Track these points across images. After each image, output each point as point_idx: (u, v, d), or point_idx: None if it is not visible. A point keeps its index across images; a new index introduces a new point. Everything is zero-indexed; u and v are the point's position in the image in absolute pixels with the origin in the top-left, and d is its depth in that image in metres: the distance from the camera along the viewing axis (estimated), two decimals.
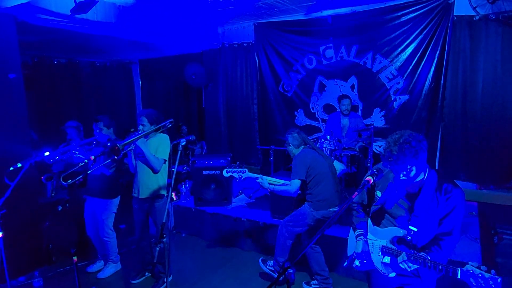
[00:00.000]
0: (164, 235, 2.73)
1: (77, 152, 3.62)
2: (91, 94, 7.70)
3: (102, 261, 4.15)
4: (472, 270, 1.70)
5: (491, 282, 1.65)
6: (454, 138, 5.17)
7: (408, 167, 1.87)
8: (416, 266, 1.90)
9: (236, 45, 6.95)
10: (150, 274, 3.95)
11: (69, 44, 6.14)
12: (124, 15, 5.06)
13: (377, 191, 2.16)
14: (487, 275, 1.67)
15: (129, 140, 3.10)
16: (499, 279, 1.64)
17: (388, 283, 2.14)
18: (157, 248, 3.77)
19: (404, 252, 1.94)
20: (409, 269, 1.92)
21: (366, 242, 2.17)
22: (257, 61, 6.70)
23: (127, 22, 5.13)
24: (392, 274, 2.07)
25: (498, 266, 3.86)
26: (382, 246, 2.08)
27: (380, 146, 5.70)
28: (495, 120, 4.81)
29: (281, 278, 1.64)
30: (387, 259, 2.06)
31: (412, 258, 1.89)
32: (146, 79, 8.60)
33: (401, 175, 1.90)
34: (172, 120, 3.30)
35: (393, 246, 2.04)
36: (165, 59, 7.99)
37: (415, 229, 1.98)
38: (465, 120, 5.04)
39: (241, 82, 7.07)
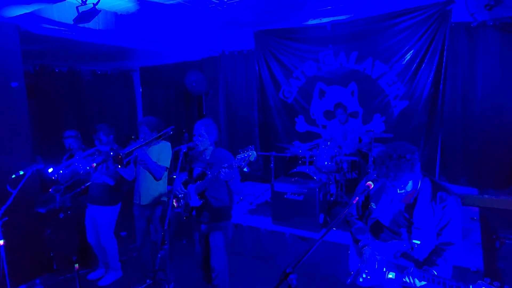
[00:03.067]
0: (166, 242, 2.73)
1: (80, 165, 3.64)
2: (92, 102, 7.74)
3: (103, 269, 4.14)
4: (484, 287, 1.62)
5: None
6: (454, 143, 5.18)
7: (406, 181, 1.86)
8: (424, 283, 1.81)
9: (236, 53, 7.01)
10: (151, 282, 3.94)
11: (71, 52, 6.19)
12: (125, 24, 5.11)
13: (372, 203, 2.11)
14: None
15: (131, 149, 3.13)
16: None
17: None
18: (158, 255, 3.78)
19: (412, 268, 1.85)
20: (418, 285, 1.84)
21: (373, 252, 2.06)
22: (257, 68, 6.75)
23: (128, 30, 5.19)
24: None
25: (500, 271, 3.84)
26: (387, 261, 2.00)
27: None
28: (494, 125, 4.83)
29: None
30: (392, 275, 1.99)
31: (421, 275, 1.81)
32: (147, 87, 8.65)
33: (398, 190, 1.88)
34: (173, 127, 3.33)
35: (397, 261, 1.97)
36: (165, 66, 8.04)
37: (418, 242, 1.95)
38: (465, 125, 5.06)
39: (241, 89, 7.11)
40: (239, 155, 2.59)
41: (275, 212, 4.49)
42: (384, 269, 2.01)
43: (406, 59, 5.33)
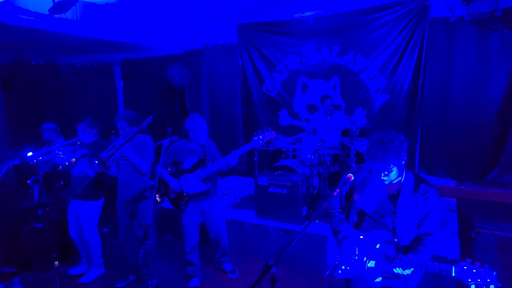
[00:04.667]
0: (148, 237, 2.71)
1: (60, 153, 3.56)
2: (72, 96, 7.54)
3: (86, 264, 4.08)
4: (466, 266, 1.71)
5: (487, 277, 1.67)
6: (433, 136, 5.32)
7: (391, 166, 1.90)
8: (411, 270, 1.88)
9: (219, 46, 6.95)
10: (134, 277, 3.90)
11: (48, 44, 5.99)
12: (105, 15, 4.98)
13: (356, 193, 2.15)
14: (482, 270, 1.68)
15: (114, 150, 3.08)
16: (494, 273, 1.67)
17: (369, 287, 2.14)
18: (141, 251, 3.75)
19: (400, 257, 1.91)
20: (403, 273, 1.90)
21: (352, 243, 2.10)
22: (240, 62, 6.72)
23: (108, 22, 5.06)
24: (378, 279, 2.06)
25: (476, 260, 3.99)
26: (367, 250, 2.05)
27: (362, 145, 5.81)
28: (471, 118, 4.97)
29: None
30: (372, 264, 2.04)
31: (406, 263, 1.88)
32: (129, 80, 8.48)
33: (383, 175, 1.93)
34: (152, 116, 3.26)
35: (379, 250, 2.02)
36: (147, 60, 7.90)
37: (399, 231, 2.01)
38: (443, 119, 5.19)
39: (225, 83, 7.07)
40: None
41: (259, 205, 4.51)
42: (365, 259, 2.05)
43: (387, 54, 5.41)
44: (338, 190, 1.93)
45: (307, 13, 5.85)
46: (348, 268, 2.13)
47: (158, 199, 5.32)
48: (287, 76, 6.36)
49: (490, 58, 4.76)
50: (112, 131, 6.87)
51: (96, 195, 3.84)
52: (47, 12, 3.76)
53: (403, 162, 1.95)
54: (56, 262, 2.69)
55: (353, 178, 1.98)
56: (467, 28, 4.83)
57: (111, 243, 4.53)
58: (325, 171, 5.22)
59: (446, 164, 5.31)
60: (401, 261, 1.89)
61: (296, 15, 5.97)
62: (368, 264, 2.05)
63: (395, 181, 1.98)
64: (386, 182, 1.97)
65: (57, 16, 3.97)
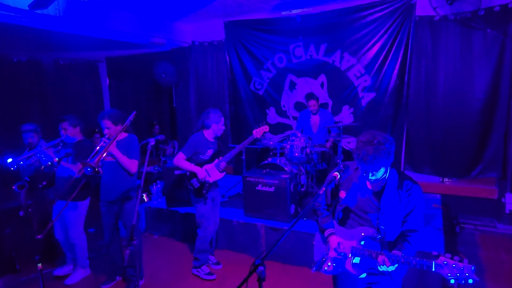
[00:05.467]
0: (134, 238, 2.67)
1: (43, 156, 3.47)
2: (56, 94, 7.37)
3: (71, 265, 4.01)
4: (446, 262, 1.74)
5: (465, 271, 1.71)
6: (418, 134, 5.39)
7: (381, 167, 1.93)
8: (395, 266, 1.90)
9: (206, 44, 6.90)
10: (121, 278, 3.85)
11: (30, 41, 5.85)
12: (88, 11, 4.88)
13: (342, 190, 2.17)
14: (461, 265, 1.72)
15: (101, 154, 3.01)
16: (473, 267, 1.71)
17: (355, 283, 2.17)
18: (127, 251, 3.71)
19: (384, 253, 1.93)
20: (387, 269, 1.91)
21: (338, 239, 2.12)
22: (228, 59, 6.69)
23: (91, 18, 4.96)
24: (363, 275, 2.08)
25: (459, 254, 4.08)
26: (352, 246, 2.07)
27: (349, 143, 5.86)
28: (455, 115, 5.06)
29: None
30: (357, 260, 2.06)
31: (389, 259, 1.89)
32: (114, 78, 8.34)
33: (370, 175, 1.95)
34: (135, 112, 3.20)
35: (363, 246, 2.04)
36: (133, 57, 7.78)
37: (383, 227, 2.03)
38: (428, 116, 5.27)
39: (212, 81, 7.02)
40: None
41: (247, 204, 4.50)
42: (350, 255, 2.07)
43: (373, 52, 5.45)
44: (324, 188, 1.93)
45: (294, 11, 5.85)
46: (334, 264, 2.15)
47: (145, 198, 5.27)
48: (274, 74, 6.35)
49: (473, 56, 4.85)
50: (96, 130, 6.75)
51: (82, 195, 3.77)
52: (26, 8, 3.65)
53: (390, 162, 1.98)
54: (40, 265, 2.63)
55: (339, 176, 1.99)
56: (451, 27, 4.90)
57: (97, 243, 4.47)
58: (313, 169, 5.25)
59: (431, 161, 5.39)
60: (384, 258, 1.91)
61: (284, 13, 5.96)
62: (353, 261, 2.07)
63: (380, 178, 2.00)
64: (372, 180, 1.99)
65: (38, 12, 3.87)
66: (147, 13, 5.77)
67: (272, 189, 4.30)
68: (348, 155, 5.78)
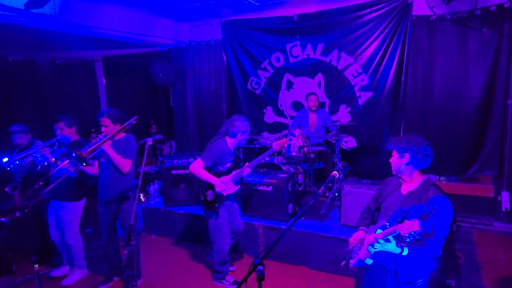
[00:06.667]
0: (132, 238, 2.66)
1: (38, 156, 3.45)
2: (51, 94, 7.31)
3: (68, 266, 3.99)
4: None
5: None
6: (415, 133, 5.31)
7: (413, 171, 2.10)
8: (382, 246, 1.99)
9: (203, 43, 6.88)
10: (118, 279, 3.84)
11: (26, 40, 5.80)
12: (84, 10, 4.85)
13: (381, 192, 2.31)
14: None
15: (94, 146, 2.99)
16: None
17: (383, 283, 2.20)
18: (125, 252, 3.69)
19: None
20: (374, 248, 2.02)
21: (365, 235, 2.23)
22: (225, 59, 6.67)
23: (88, 18, 4.93)
24: (369, 261, 2.14)
25: (457, 252, 4.10)
26: (375, 240, 2.10)
27: (346, 142, 5.87)
28: (451, 114, 5.08)
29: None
30: (370, 249, 2.12)
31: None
32: (111, 78, 8.30)
33: (402, 177, 2.14)
34: (136, 117, 3.20)
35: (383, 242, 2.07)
36: (130, 56, 7.75)
37: (399, 220, 2.07)
38: (425, 115, 5.28)
39: (210, 80, 7.01)
40: None
41: (244, 203, 4.50)
42: (369, 248, 2.13)
43: (370, 51, 5.46)
44: (323, 188, 1.94)
45: (292, 10, 5.84)
46: (356, 255, 2.23)
47: (142, 198, 5.25)
48: (272, 73, 6.35)
49: (470, 56, 4.86)
50: (93, 129, 6.72)
51: (77, 195, 3.75)
52: (21, 7, 3.62)
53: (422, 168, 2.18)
54: (36, 265, 2.61)
55: (338, 175, 2.00)
56: (447, 26, 4.92)
57: (94, 244, 4.45)
58: (310, 168, 5.26)
59: None
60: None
61: (281, 12, 5.95)
62: (368, 249, 2.14)
63: (413, 181, 2.14)
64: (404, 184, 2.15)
65: (34, 11, 3.83)
66: (143, 12, 5.74)
67: (270, 188, 4.30)
68: (345, 154, 5.80)
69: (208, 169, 3.36)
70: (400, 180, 2.25)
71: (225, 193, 3.42)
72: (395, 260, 2.08)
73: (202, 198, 3.44)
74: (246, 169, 3.46)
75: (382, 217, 2.22)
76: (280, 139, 5.21)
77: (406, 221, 1.84)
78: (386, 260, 2.11)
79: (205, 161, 3.29)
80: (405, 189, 2.20)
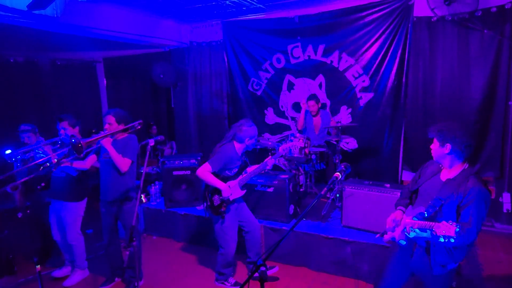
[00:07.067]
0: (134, 239, 2.66)
1: (40, 152, 3.46)
2: (52, 95, 7.32)
3: (70, 267, 3.99)
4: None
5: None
6: (416, 134, 5.41)
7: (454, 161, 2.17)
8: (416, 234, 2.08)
9: (204, 44, 6.89)
10: (120, 279, 3.84)
11: (27, 42, 5.81)
12: (86, 12, 4.86)
13: (421, 175, 2.42)
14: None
15: (94, 138, 2.99)
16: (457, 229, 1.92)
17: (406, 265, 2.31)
18: (127, 252, 3.69)
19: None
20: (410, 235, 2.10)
21: (403, 215, 2.31)
22: (226, 60, 6.69)
23: (89, 19, 4.94)
24: (403, 242, 2.22)
25: None
26: (410, 221, 2.19)
27: (348, 143, 5.88)
28: (452, 115, 5.07)
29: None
30: (406, 233, 2.18)
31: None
32: (112, 79, 8.31)
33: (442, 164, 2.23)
34: (141, 121, 3.22)
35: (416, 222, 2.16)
36: (131, 57, 7.76)
37: (440, 212, 2.14)
38: (426, 116, 5.29)
39: (211, 81, 7.02)
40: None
41: (246, 204, 4.49)
42: (405, 232, 2.20)
43: (371, 52, 5.47)
44: (326, 189, 1.95)
45: (293, 12, 5.85)
46: (391, 233, 2.33)
47: (143, 199, 5.26)
48: (273, 74, 6.36)
49: (471, 57, 4.87)
50: (93, 130, 6.73)
51: (78, 195, 3.75)
52: (24, 8, 3.63)
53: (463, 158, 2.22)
54: (38, 266, 2.61)
55: (340, 176, 2.01)
56: (449, 27, 4.92)
57: (95, 244, 4.45)
58: (311, 169, 5.26)
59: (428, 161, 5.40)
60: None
61: (282, 13, 5.97)
62: (404, 230, 2.21)
63: (453, 169, 2.20)
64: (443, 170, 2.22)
65: (36, 12, 3.84)
66: (145, 13, 5.75)
67: (271, 189, 4.30)
68: (346, 155, 5.80)
69: (216, 173, 3.32)
70: (440, 165, 2.30)
71: (231, 198, 3.39)
72: (430, 241, 2.15)
73: (208, 203, 3.40)
74: (252, 174, 3.46)
75: (420, 202, 2.28)
76: (283, 140, 5.23)
77: (444, 222, 1.89)
78: (419, 239, 2.20)
79: (213, 166, 3.26)
80: (444, 175, 2.26)
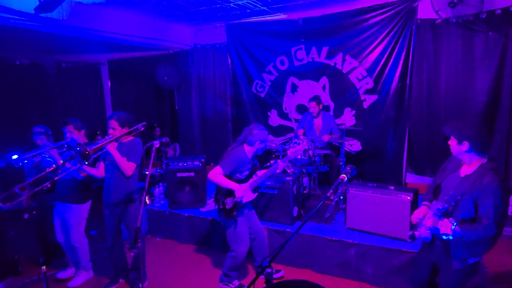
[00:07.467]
0: (139, 240, 2.67)
1: (47, 156, 3.48)
2: (57, 97, 7.38)
3: (74, 268, 4.00)
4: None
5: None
6: (420, 136, 5.40)
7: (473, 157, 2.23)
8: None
9: (208, 46, 6.92)
10: (123, 281, 3.85)
11: (32, 44, 5.86)
12: (91, 14, 4.90)
13: (445, 169, 2.47)
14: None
15: (99, 145, 3.01)
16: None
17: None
18: (132, 254, 3.70)
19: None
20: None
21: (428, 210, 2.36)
22: (229, 62, 6.71)
23: (94, 21, 4.98)
24: (427, 239, 2.29)
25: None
26: (433, 215, 2.23)
27: (351, 145, 5.87)
28: (456, 117, 5.05)
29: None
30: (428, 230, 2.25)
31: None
32: (116, 81, 8.36)
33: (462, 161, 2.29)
34: (145, 123, 3.23)
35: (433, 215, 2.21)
36: (135, 60, 7.81)
37: (457, 207, 2.17)
38: (430, 119, 5.28)
39: (214, 83, 7.05)
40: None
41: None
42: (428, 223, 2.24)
43: (375, 54, 5.47)
44: (331, 190, 1.96)
45: (297, 14, 5.87)
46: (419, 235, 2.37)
47: (147, 201, 5.27)
48: (276, 77, 6.37)
49: (475, 59, 4.86)
50: (98, 132, 6.76)
51: (83, 198, 3.77)
52: (31, 11, 3.67)
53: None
54: (43, 267, 2.62)
55: (346, 178, 2.01)
56: (453, 29, 4.92)
57: (99, 246, 4.47)
58: (315, 171, 5.25)
59: (433, 163, 5.39)
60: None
61: (285, 16, 5.99)
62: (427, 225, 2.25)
63: (472, 165, 2.25)
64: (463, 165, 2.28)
65: (43, 15, 3.88)
66: (149, 16, 5.79)
67: (275, 191, 4.30)
68: (350, 157, 5.79)
69: (227, 176, 3.34)
70: (461, 161, 2.36)
71: (244, 201, 3.40)
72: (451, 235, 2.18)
73: (221, 206, 3.40)
74: (262, 177, 3.47)
75: (440, 198, 2.34)
76: (286, 142, 5.23)
77: (446, 220, 1.99)
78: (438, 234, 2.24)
79: (224, 169, 3.28)
80: (464, 171, 2.30)
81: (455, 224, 2.02)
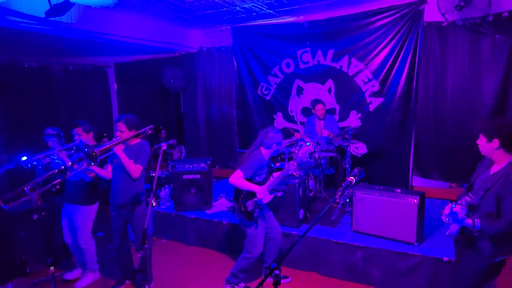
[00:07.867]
0: (146, 242, 2.69)
1: (55, 158, 3.52)
2: (64, 99, 7.45)
3: (80, 269, 4.03)
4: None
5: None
6: (427, 139, 5.38)
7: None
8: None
9: (214, 49, 6.96)
10: (130, 282, 3.87)
11: (41, 47, 5.94)
12: (99, 18, 4.96)
13: (480, 167, 2.52)
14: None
15: (106, 147, 3.03)
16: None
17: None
18: (139, 255, 3.71)
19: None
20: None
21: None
22: (235, 64, 6.74)
23: (102, 25, 5.04)
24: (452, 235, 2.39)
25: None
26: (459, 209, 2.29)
27: (357, 148, 5.85)
28: (463, 120, 5.04)
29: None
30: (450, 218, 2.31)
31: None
32: (122, 83, 8.43)
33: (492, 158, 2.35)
34: (152, 126, 3.26)
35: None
36: (141, 62, 7.87)
37: (481, 205, 2.22)
38: (436, 122, 5.26)
39: (220, 86, 7.08)
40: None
41: None
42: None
43: (381, 57, 5.47)
44: (339, 193, 1.96)
45: (302, 17, 5.89)
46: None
47: (153, 202, 5.30)
48: (282, 79, 6.39)
49: (482, 62, 4.84)
50: (105, 134, 6.81)
51: (90, 199, 3.80)
52: (41, 15, 3.72)
53: None
54: (52, 268, 2.65)
55: (354, 180, 2.02)
56: (460, 32, 4.91)
57: (106, 247, 4.49)
58: (321, 174, 5.25)
59: (440, 166, 5.37)
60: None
61: (291, 19, 6.01)
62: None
63: (501, 162, 2.27)
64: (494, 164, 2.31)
65: (52, 19, 3.93)
66: (156, 19, 5.84)
67: (281, 194, 4.30)
68: (356, 160, 5.78)
69: (248, 179, 3.39)
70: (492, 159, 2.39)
71: (263, 202, 3.45)
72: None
73: (243, 209, 3.43)
74: (278, 178, 3.47)
75: (470, 194, 2.38)
76: (292, 145, 5.23)
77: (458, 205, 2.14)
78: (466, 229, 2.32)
79: (245, 172, 3.33)
80: (494, 169, 2.34)
81: (454, 205, 2.16)
